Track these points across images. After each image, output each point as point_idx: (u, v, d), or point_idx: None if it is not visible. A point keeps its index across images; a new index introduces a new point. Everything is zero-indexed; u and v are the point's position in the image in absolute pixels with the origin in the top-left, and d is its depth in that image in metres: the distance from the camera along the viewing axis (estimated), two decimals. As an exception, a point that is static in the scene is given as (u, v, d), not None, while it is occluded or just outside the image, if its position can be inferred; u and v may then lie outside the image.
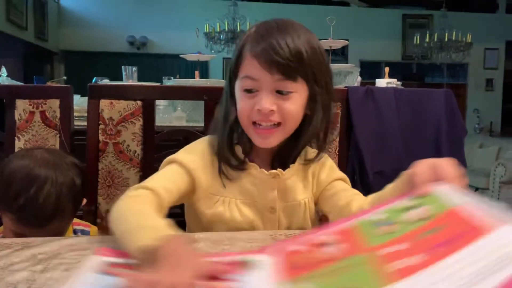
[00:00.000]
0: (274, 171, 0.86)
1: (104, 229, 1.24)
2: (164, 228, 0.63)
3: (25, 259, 0.65)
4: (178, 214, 1.35)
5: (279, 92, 0.79)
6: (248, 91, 0.80)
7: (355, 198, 0.85)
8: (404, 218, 0.56)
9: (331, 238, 0.57)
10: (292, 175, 0.89)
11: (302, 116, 0.83)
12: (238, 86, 0.83)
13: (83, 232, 1.12)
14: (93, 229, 1.16)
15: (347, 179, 0.95)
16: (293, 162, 0.89)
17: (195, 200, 0.88)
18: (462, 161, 1.97)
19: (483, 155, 5.83)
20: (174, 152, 0.90)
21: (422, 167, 0.65)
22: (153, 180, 0.81)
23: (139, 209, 0.71)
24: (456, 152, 1.90)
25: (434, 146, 1.89)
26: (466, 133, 1.99)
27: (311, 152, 0.91)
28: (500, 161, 5.20)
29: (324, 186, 0.92)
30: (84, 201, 1.06)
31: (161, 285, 0.47)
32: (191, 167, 0.85)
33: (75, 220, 1.09)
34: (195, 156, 0.87)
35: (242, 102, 0.82)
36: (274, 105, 0.78)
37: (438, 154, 1.89)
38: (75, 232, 1.10)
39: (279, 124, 0.81)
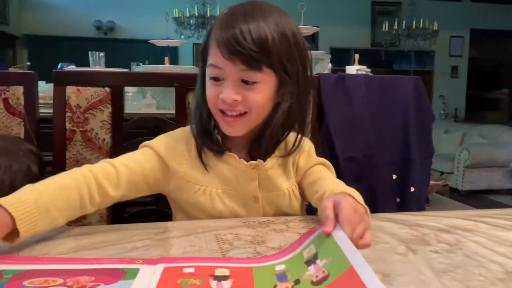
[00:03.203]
0: (253, 161, 0.85)
1: (72, 221, 1.21)
2: (23, 200, 0.65)
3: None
4: (150, 203, 1.34)
5: (244, 81, 0.77)
6: (215, 79, 0.79)
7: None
8: (302, 277, 0.54)
9: (226, 273, 0.55)
10: (272, 165, 0.88)
11: (271, 104, 0.81)
12: (207, 73, 0.82)
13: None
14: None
15: (327, 162, 0.94)
16: (272, 151, 0.87)
17: (173, 190, 0.87)
18: (430, 147, 2.02)
19: (448, 140, 6.01)
20: (144, 140, 0.88)
21: (329, 201, 0.65)
22: (119, 157, 0.84)
23: (62, 179, 0.76)
24: (424, 138, 1.95)
25: (403, 132, 1.93)
26: (434, 119, 2.04)
27: (291, 142, 0.89)
28: (464, 146, 5.37)
29: (303, 173, 0.92)
30: None
31: None
32: (164, 153, 0.84)
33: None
34: (170, 142, 0.86)
35: (209, 90, 0.81)
36: (238, 95, 0.77)
37: (406, 140, 1.93)
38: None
39: (245, 113, 0.79)
